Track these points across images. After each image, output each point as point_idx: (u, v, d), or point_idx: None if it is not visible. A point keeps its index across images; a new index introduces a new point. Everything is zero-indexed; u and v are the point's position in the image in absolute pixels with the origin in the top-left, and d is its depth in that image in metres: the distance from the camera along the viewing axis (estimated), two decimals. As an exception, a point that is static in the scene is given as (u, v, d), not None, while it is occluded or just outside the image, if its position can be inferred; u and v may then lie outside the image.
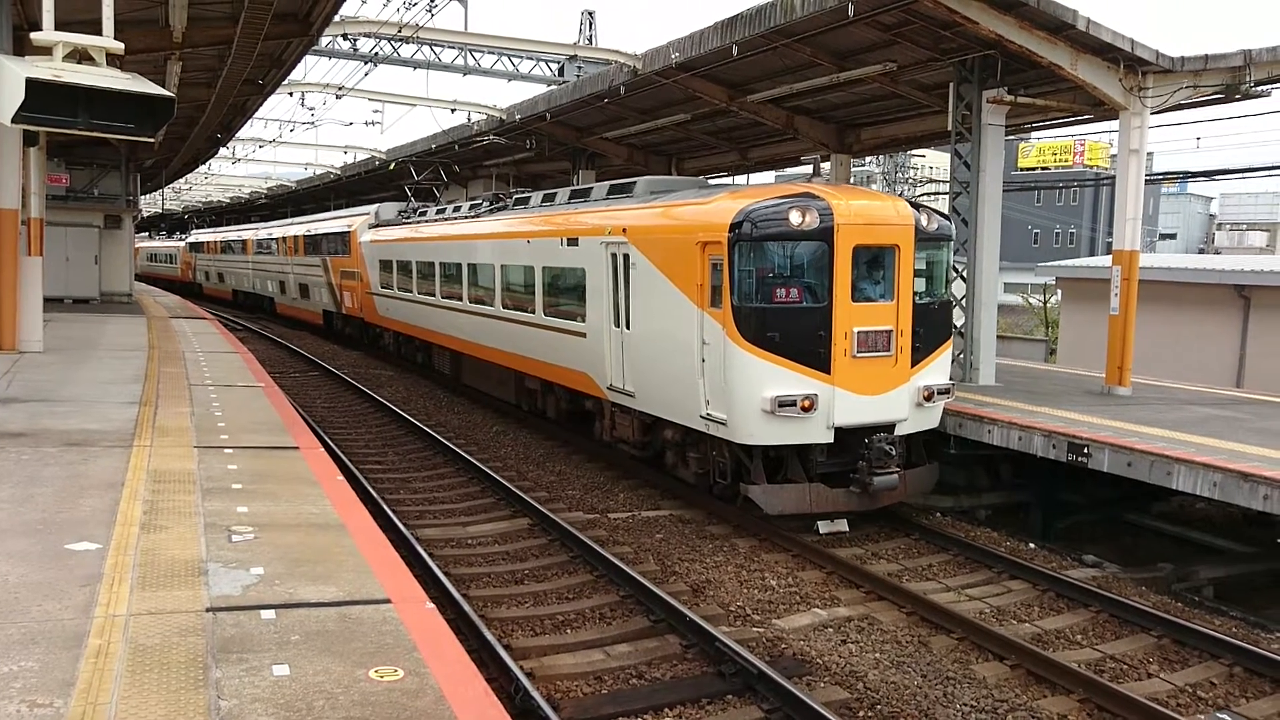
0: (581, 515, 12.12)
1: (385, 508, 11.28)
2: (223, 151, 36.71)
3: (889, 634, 8.74)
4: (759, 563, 10.61)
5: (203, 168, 44.55)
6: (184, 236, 61.63)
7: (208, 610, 4.91)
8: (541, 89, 27.67)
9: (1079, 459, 11.01)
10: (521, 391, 17.84)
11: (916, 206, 11.77)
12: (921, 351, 11.45)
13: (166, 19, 14.49)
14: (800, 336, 10.80)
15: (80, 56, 8.89)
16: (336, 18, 16.07)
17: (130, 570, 5.42)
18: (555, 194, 16.91)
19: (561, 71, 28.74)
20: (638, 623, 8.68)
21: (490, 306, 17.89)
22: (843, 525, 11.70)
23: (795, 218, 10.71)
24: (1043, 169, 78.28)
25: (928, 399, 11.46)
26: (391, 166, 31.26)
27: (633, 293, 12.67)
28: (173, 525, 6.31)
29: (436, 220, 22.11)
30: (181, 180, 51.55)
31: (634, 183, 14.33)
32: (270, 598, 5.12)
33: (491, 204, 19.56)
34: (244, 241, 43.23)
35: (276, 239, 37.43)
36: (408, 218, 25.26)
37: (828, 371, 10.82)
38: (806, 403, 10.63)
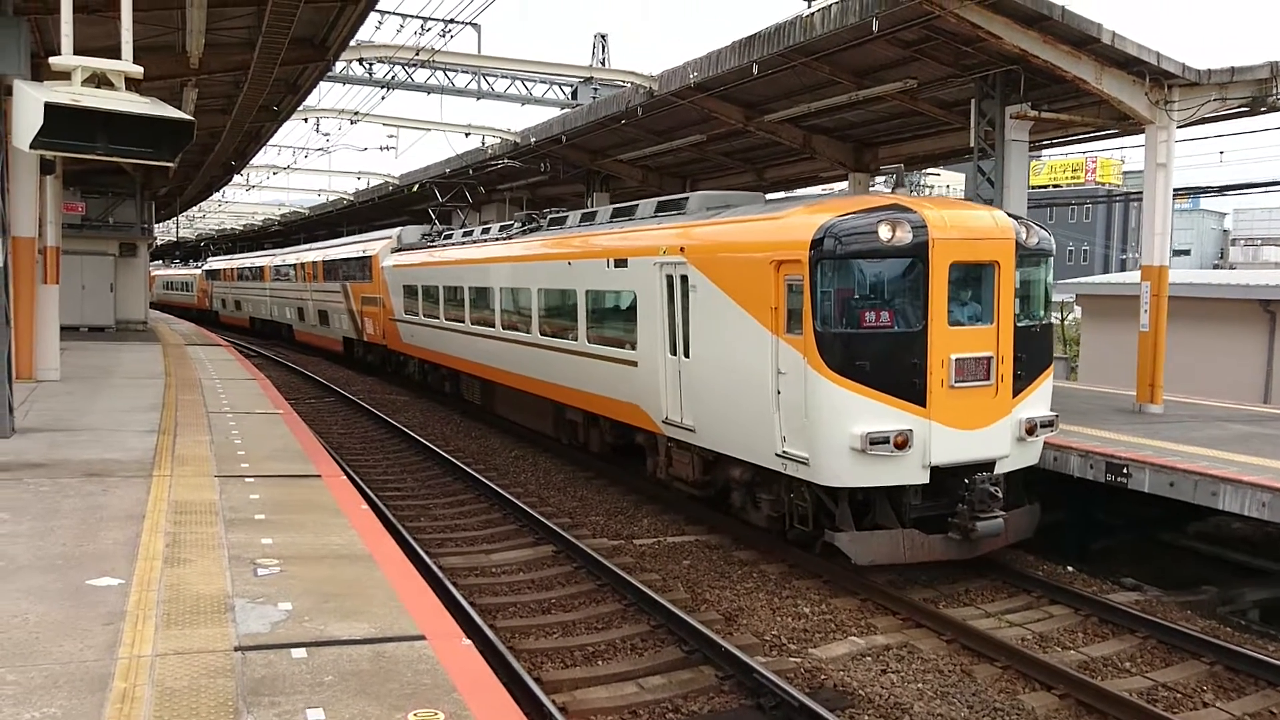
0: (606, 542, 11.88)
1: (408, 537, 11.05)
2: (236, 179, 36.89)
3: (930, 663, 8.46)
4: (790, 589, 10.34)
5: (216, 195, 44.78)
6: (200, 264, 61.61)
7: (236, 649, 4.69)
8: (555, 112, 27.69)
9: (1118, 479, 10.72)
10: (560, 423, 16.71)
11: (1014, 217, 10.70)
12: (1023, 380, 10.36)
13: (183, 45, 14.45)
14: (892, 365, 9.69)
15: (99, 81, 8.77)
16: (352, 42, 16.03)
17: (154, 607, 5.22)
18: (595, 213, 15.95)
19: (575, 95, 28.80)
20: (670, 653, 8.42)
21: (526, 333, 16.87)
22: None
23: (885, 232, 9.64)
24: (1054, 186, 78.15)
25: (1029, 433, 10.40)
26: (414, 188, 30.70)
27: (693, 317, 11.68)
28: (196, 558, 6.11)
29: (464, 243, 21.20)
30: (195, 208, 51.85)
31: (686, 199, 13.44)
32: (300, 635, 4.91)
33: (524, 225, 18.50)
34: (261, 268, 42.94)
35: (294, 265, 37.01)
36: (432, 241, 24.42)
37: (923, 404, 9.70)
38: (900, 439, 9.52)
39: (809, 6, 13.35)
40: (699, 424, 11.70)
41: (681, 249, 11.92)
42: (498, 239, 19.10)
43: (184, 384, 15.72)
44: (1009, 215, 10.70)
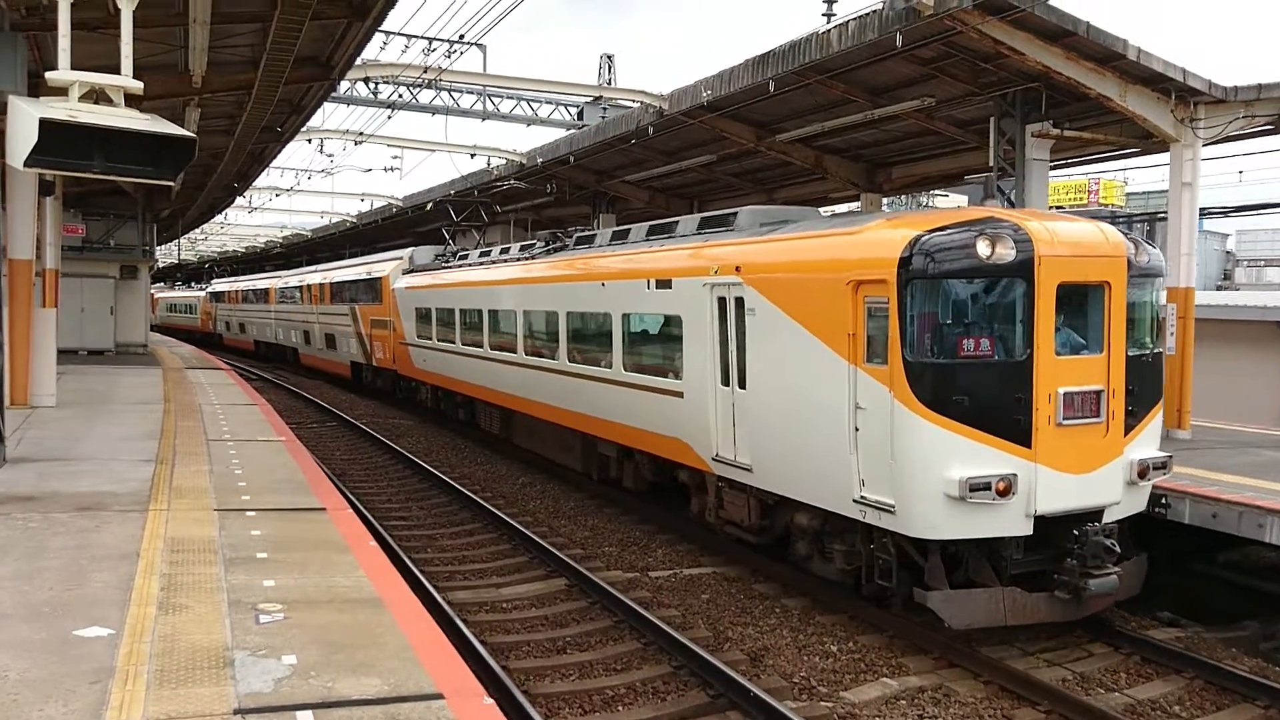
0: (621, 574, 11.43)
1: (419, 575, 10.57)
2: (239, 201, 36.62)
3: (969, 706, 8.00)
4: (815, 626, 9.88)
5: (218, 217, 44.51)
6: (204, 286, 60.77)
7: (236, 713, 4.26)
8: (560, 134, 27.46)
9: (1156, 510, 10.27)
10: (591, 457, 15.34)
11: (1124, 232, 9.58)
12: (1134, 417, 9.25)
13: (186, 64, 14.13)
14: (993, 399, 8.56)
15: (97, 97, 8.42)
16: (358, 61, 15.72)
17: (146, 661, 4.78)
18: (628, 231, 14.75)
19: (580, 116, 28.60)
20: (695, 698, 7.97)
21: (553, 359, 15.66)
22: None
23: (984, 248, 8.53)
24: (1057, 208, 77.98)
25: (1141, 476, 9.27)
26: (428, 207, 29.53)
27: (750, 344, 10.44)
28: (193, 604, 5.68)
29: (481, 264, 20.01)
30: (197, 230, 51.60)
31: (734, 214, 12.19)
32: (306, 694, 4.47)
33: (547, 244, 17.33)
34: (266, 290, 42.02)
35: (300, 287, 35.96)
36: (446, 262, 23.10)
37: (1028, 445, 8.55)
38: (1003, 485, 8.38)
39: (827, 22, 12.98)
40: (757, 463, 10.45)
41: (737, 268, 10.69)
42: (519, 259, 17.95)
43: (183, 409, 15.31)
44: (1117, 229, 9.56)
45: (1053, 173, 29.50)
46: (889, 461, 8.69)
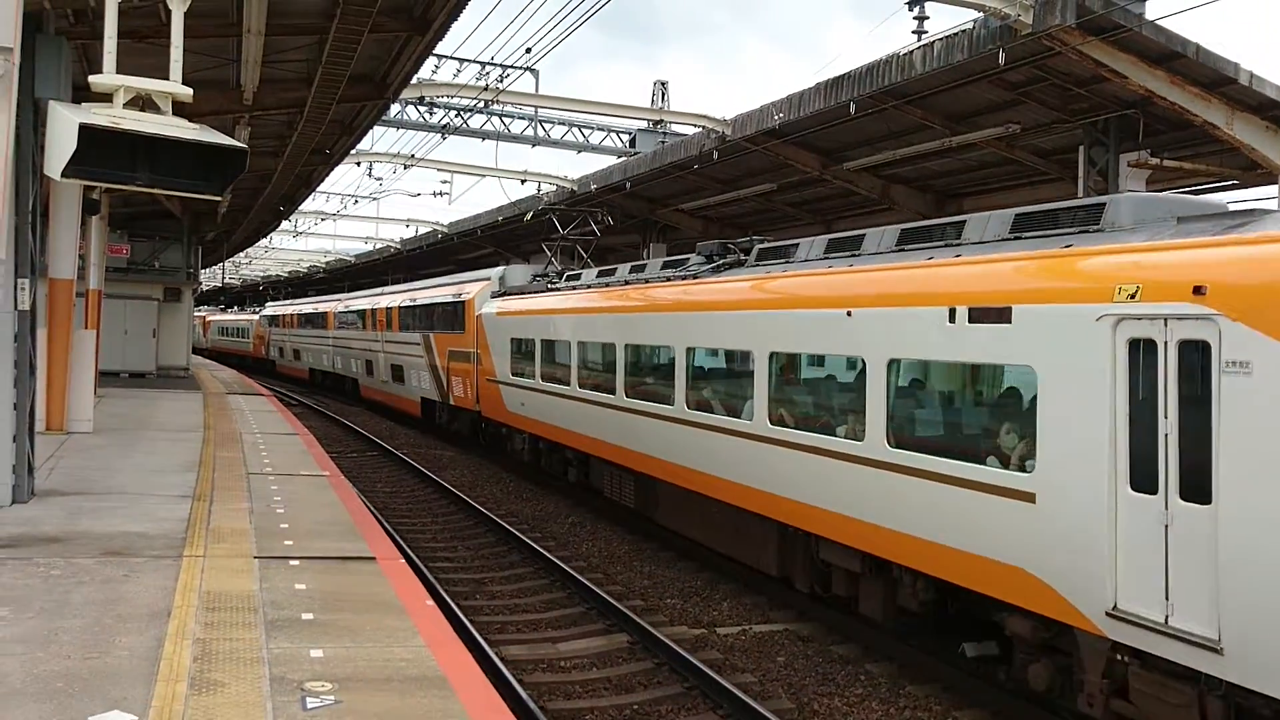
0: (686, 630, 10.51)
1: (485, 646, 9.68)
2: (284, 224, 36.44)
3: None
4: (906, 697, 8.89)
5: (263, 241, 44.48)
6: (258, 309, 57.35)
7: (280, 843, 3.43)
8: (611, 160, 26.86)
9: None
10: (796, 560, 10.89)
11: None
12: None
13: (237, 79, 13.64)
14: None
15: (143, 104, 7.80)
16: (413, 80, 15.17)
17: (173, 761, 3.98)
18: (860, 238, 10.40)
19: (633, 143, 28.00)
20: (787, 786, 7.03)
21: (738, 418, 11.37)
22: (992, 647, 9.92)
23: None
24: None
25: None
26: (529, 218, 25.79)
27: (1229, 422, 6.14)
28: (230, 680, 4.88)
29: (608, 286, 15.80)
30: (241, 254, 51.71)
31: (1100, 204, 7.95)
32: (365, 815, 3.63)
33: (711, 259, 13.12)
34: (324, 314, 37.95)
35: (364, 311, 32.04)
36: (553, 283, 18.95)
37: None
38: None
39: (918, 40, 12.19)
40: (1238, 637, 6.04)
41: (1196, 289, 6.40)
42: (676, 280, 13.68)
43: (223, 439, 14.66)
44: None
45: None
46: None
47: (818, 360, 10.69)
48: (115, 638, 5.42)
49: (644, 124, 27.67)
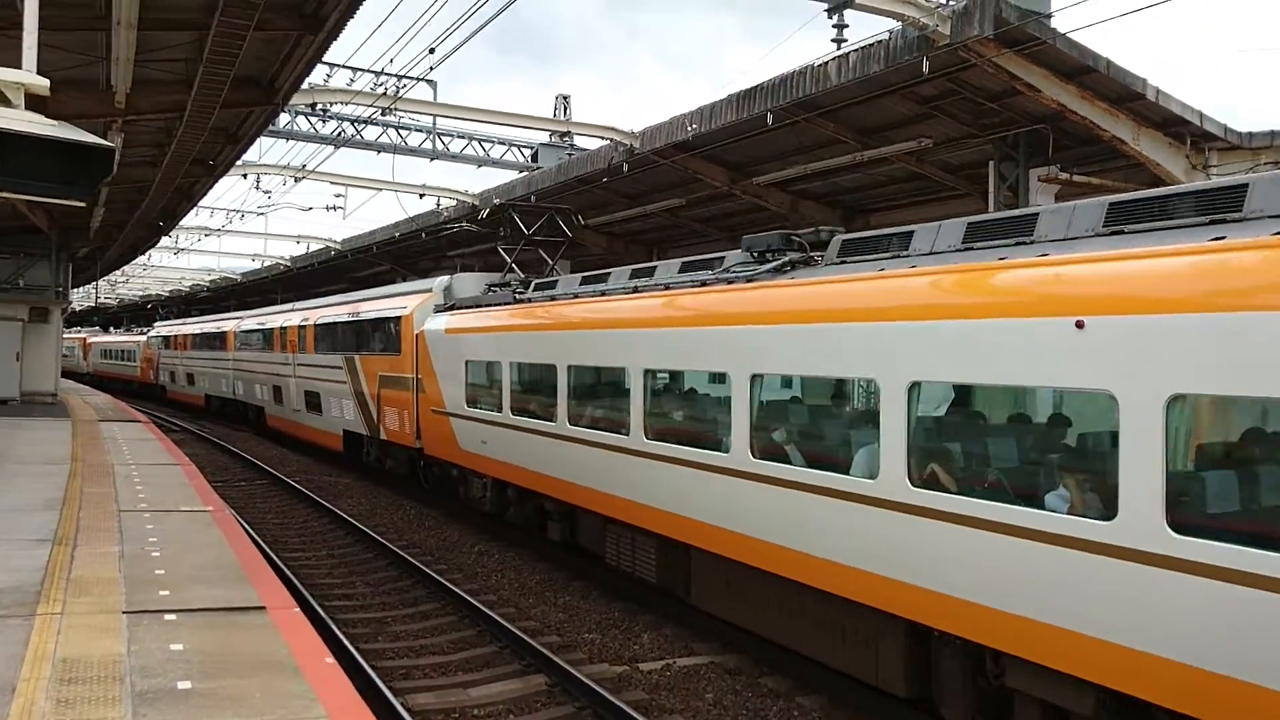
0: (608, 668, 9.86)
1: (392, 700, 8.85)
2: (164, 240, 34.50)
3: None
4: (842, 734, 8.45)
5: (141, 258, 42.18)
6: (146, 330, 51.72)
7: None
8: (513, 175, 26.17)
9: None
10: (915, 665, 7.91)
11: None
12: None
13: (108, 79, 12.49)
14: None
15: (-10, 97, 6.83)
16: (305, 83, 14.23)
17: None
18: (982, 224, 7.73)
19: (535, 157, 27.35)
20: (730, 846, 6.45)
21: (853, 474, 7.99)
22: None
23: None
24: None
25: None
26: (485, 214, 22.78)
27: None
28: (86, 776, 4.04)
29: (604, 297, 12.43)
30: (117, 272, 49.00)
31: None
32: None
33: (765, 258, 9.87)
34: (223, 334, 33.78)
35: (272, 330, 28.21)
36: (520, 294, 15.20)
37: None
38: None
39: (838, 48, 11.93)
40: None
41: None
42: (696, 287, 10.54)
43: (93, 471, 13.39)
44: None
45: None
46: None
47: (975, 395, 7.47)
48: (-56, 725, 4.51)
49: (546, 138, 27.07)
